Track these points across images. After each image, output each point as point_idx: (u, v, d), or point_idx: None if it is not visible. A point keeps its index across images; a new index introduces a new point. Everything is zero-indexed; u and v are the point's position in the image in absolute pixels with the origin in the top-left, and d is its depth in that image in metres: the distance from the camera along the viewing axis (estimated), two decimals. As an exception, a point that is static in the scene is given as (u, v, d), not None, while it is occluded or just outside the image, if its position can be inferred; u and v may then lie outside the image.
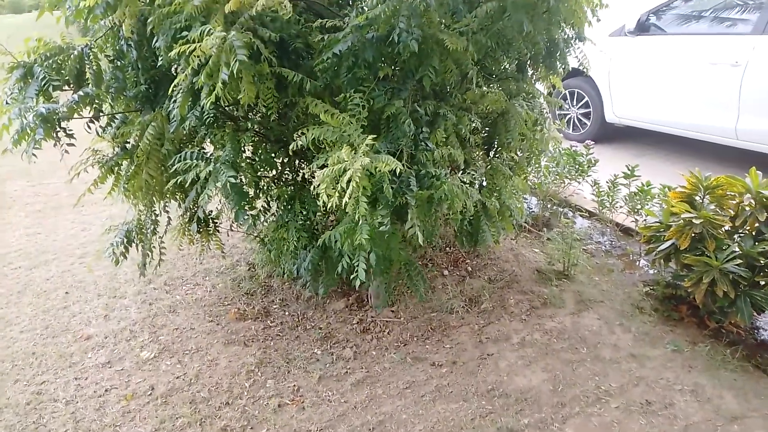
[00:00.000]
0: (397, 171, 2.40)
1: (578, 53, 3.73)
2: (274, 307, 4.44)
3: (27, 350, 3.96)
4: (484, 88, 3.33)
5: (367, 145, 2.48)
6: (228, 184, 2.72)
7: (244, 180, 2.97)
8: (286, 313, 4.34)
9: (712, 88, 6.35)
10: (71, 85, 3.18)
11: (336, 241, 2.92)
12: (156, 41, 2.79)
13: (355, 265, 2.80)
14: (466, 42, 2.87)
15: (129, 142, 3.17)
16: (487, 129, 3.55)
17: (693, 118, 6.68)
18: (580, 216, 5.77)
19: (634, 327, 3.84)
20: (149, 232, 3.69)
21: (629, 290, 4.36)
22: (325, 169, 2.55)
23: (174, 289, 4.71)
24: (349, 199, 2.40)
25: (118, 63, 3.19)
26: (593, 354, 3.57)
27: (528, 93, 3.73)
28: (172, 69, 2.99)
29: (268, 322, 4.23)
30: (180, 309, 4.40)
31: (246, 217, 2.86)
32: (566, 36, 3.54)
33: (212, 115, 2.83)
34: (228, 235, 4.88)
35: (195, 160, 2.80)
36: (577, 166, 5.39)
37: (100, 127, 3.27)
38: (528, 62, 3.72)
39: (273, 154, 3.18)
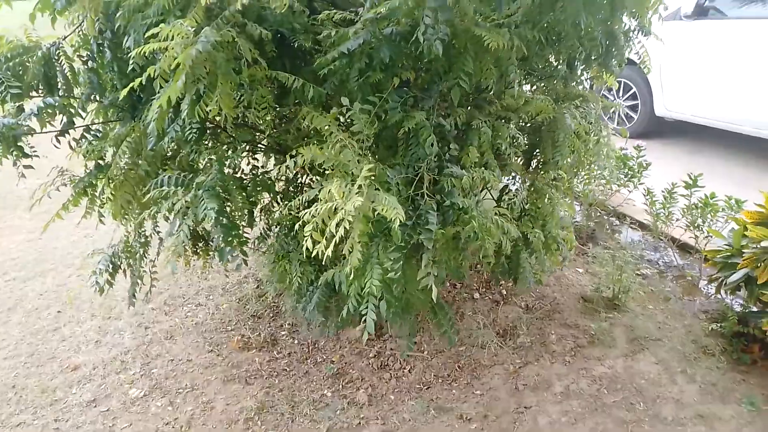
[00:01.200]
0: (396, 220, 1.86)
1: (639, 48, 3.12)
2: (282, 333, 3.96)
3: (7, 382, 3.55)
4: (528, 91, 2.74)
5: (367, 176, 1.94)
6: (209, 217, 2.22)
7: (233, 207, 2.45)
8: (295, 342, 3.86)
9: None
10: (40, 91, 2.72)
11: (341, 283, 2.40)
12: (127, 40, 2.28)
13: (363, 313, 2.28)
14: (510, 38, 2.29)
15: (104, 159, 2.69)
16: (528, 141, 2.96)
17: (757, 116, 5.95)
18: (630, 227, 5.14)
19: (699, 375, 3.24)
20: (138, 255, 3.23)
21: (690, 323, 3.75)
22: (314, 205, 2.02)
23: (174, 310, 4.26)
24: (341, 244, 1.88)
25: (93, 65, 2.70)
26: (652, 412, 2.99)
27: (578, 96, 3.12)
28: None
29: (275, 352, 3.75)
30: (178, 335, 3.95)
31: (234, 255, 2.35)
32: (626, 28, 2.93)
33: (196, 129, 2.32)
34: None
35: (172, 186, 2.30)
36: (627, 171, 4.76)
37: (74, 140, 2.79)
38: (578, 59, 3.11)
39: (269, 176, 2.65)
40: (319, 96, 2.35)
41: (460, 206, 2.20)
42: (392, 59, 2.28)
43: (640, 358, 3.36)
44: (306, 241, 1.93)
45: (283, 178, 2.85)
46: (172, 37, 1.97)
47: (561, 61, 2.99)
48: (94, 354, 3.80)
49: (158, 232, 3.35)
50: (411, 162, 2.32)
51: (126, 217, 2.72)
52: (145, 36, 2.21)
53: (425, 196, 2.21)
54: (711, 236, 4.26)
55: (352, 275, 2.23)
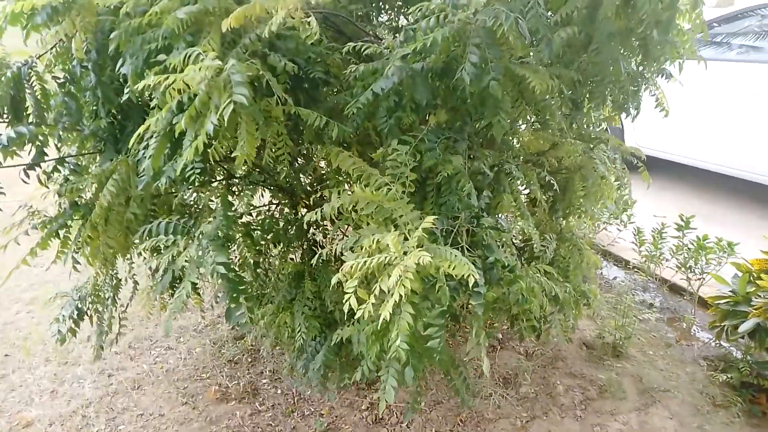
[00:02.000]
0: (469, 279, 1.60)
1: (656, 91, 2.99)
2: (264, 381, 3.61)
3: (-56, 444, 3.07)
4: (556, 133, 2.55)
5: (426, 226, 1.68)
6: (217, 273, 1.90)
7: (238, 257, 2.14)
8: (279, 391, 3.52)
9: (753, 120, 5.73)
10: (5, 116, 2.34)
11: (358, 342, 2.13)
12: (121, 65, 1.96)
13: (383, 379, 2.00)
14: (554, 80, 2.10)
15: (81, 197, 2.32)
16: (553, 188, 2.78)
17: (729, 154, 6.05)
18: (615, 266, 5.05)
19: (716, 431, 3.10)
20: (108, 300, 2.84)
21: (692, 371, 3.63)
22: (354, 257, 1.75)
23: (140, 355, 3.84)
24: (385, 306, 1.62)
25: (71, 87, 2.34)
26: (677, 475, 2.82)
27: (593, 138, 2.97)
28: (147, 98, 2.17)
29: (257, 404, 3.40)
30: (146, 384, 3.54)
31: (240, 313, 2.04)
32: (650, 71, 2.80)
33: (199, 169, 2.01)
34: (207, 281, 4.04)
35: (170, 235, 1.97)
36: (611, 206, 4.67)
37: (44, 173, 2.41)
38: (593, 100, 2.96)
39: (280, 221, 2.35)
40: (341, 134, 2.09)
41: (505, 264, 1.96)
42: (426, 99, 2.05)
43: (653, 413, 3.20)
44: (348, 299, 1.64)
45: (288, 220, 2.56)
46: (185, 65, 1.67)
47: (586, 104, 2.83)
48: (49, 407, 3.35)
49: (133, 276, 2.98)
50: (447, 211, 2.08)
51: (105, 263, 2.35)
52: (150, 62, 1.90)
53: (465, 252, 1.97)
54: (704, 278, 4.20)
55: (372, 336, 1.96)
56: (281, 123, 2.03)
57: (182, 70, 1.76)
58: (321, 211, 1.88)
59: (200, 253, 1.93)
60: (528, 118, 2.89)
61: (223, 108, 1.62)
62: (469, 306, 1.89)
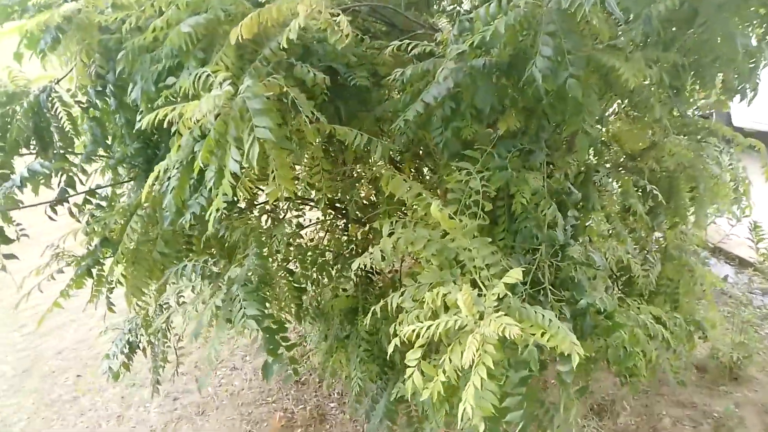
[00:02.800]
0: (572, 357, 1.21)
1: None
2: (331, 405, 3.37)
3: (15, 475, 3.04)
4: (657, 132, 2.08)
5: (512, 282, 1.32)
6: (251, 323, 1.63)
7: (277, 299, 1.86)
8: (347, 417, 3.26)
9: None
10: (31, 148, 2.17)
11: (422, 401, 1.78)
12: (131, 90, 1.70)
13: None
14: (651, 67, 1.65)
15: (113, 232, 2.11)
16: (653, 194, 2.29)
17: None
18: (728, 264, 4.42)
19: None
20: (160, 332, 2.66)
21: (832, 396, 3.03)
22: (414, 314, 1.41)
23: (206, 375, 3.70)
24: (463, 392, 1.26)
25: (96, 113, 2.14)
26: None
27: (700, 129, 2.45)
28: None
29: (323, 432, 3.16)
30: (211, 410, 3.39)
31: (282, 364, 1.76)
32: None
33: (227, 204, 1.72)
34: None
35: (197, 279, 1.71)
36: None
37: (75, 206, 2.23)
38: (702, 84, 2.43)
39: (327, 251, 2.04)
40: (388, 153, 1.74)
41: (600, 309, 1.55)
42: (491, 103, 1.66)
43: (785, 455, 2.67)
44: (411, 375, 1.32)
45: (340, 245, 2.25)
46: (194, 93, 1.38)
47: (689, 89, 2.32)
48: (115, 433, 3.27)
49: (183, 302, 2.79)
50: (520, 240, 1.69)
51: (140, 303, 2.14)
52: (160, 85, 1.64)
53: (548, 294, 1.57)
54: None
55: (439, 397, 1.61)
56: (318, 144, 1.72)
57: (194, 95, 1.48)
58: (371, 256, 1.54)
59: (229, 303, 1.66)
60: (619, 103, 2.42)
61: (249, 147, 1.32)
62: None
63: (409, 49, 1.76)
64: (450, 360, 1.27)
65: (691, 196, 2.16)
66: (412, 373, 1.32)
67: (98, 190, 2.21)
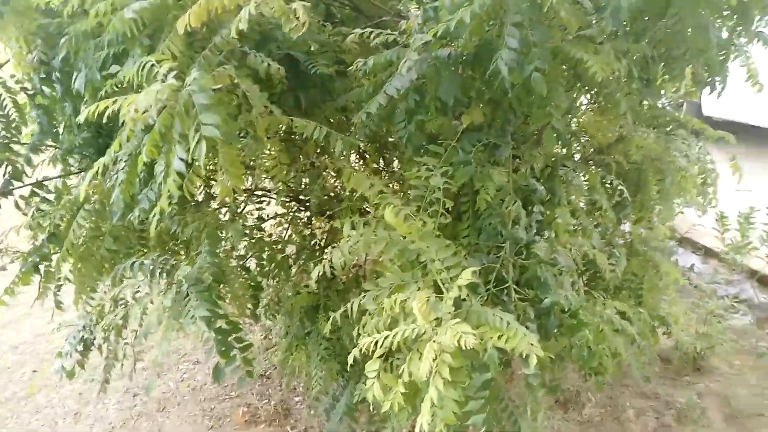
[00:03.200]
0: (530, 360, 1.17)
1: (748, 60, 2.40)
2: (296, 400, 3.31)
3: (-35, 476, 2.92)
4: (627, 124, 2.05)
5: (466, 283, 1.26)
6: (201, 325, 1.55)
7: (231, 297, 1.79)
8: (312, 412, 3.20)
9: None
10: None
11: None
12: (75, 78, 1.60)
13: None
14: (625, 63, 1.61)
15: (59, 226, 2.00)
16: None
17: None
18: (694, 254, 4.47)
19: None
20: (113, 329, 2.56)
21: (791, 385, 3.08)
22: (372, 322, 1.36)
23: (167, 371, 3.60)
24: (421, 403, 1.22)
25: (43, 101, 2.01)
26: None
27: (670, 121, 2.43)
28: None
29: (288, 427, 3.10)
30: (172, 405, 3.30)
31: (235, 366, 1.69)
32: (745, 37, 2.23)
33: (177, 200, 1.64)
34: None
35: (145, 276, 1.63)
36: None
37: (21, 197, 2.12)
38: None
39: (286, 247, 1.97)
40: (349, 148, 1.67)
41: (565, 307, 1.52)
42: (455, 96, 1.60)
43: (746, 445, 2.70)
44: (371, 386, 1.26)
45: (303, 238, 2.18)
46: (138, 83, 1.29)
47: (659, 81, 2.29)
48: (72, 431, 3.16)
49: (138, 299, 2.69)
50: (484, 238, 1.64)
51: (92, 300, 2.05)
52: (104, 73, 1.54)
53: (512, 294, 1.53)
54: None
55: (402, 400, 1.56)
56: (276, 136, 1.64)
57: (139, 85, 1.39)
58: (330, 264, 1.47)
59: (178, 301, 1.58)
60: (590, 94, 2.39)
61: (195, 145, 1.24)
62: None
63: (372, 37, 1.68)
64: (408, 370, 1.22)
65: (657, 189, 2.14)
66: (372, 385, 1.26)
67: (46, 182, 2.09)
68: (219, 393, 3.37)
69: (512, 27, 1.47)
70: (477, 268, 1.31)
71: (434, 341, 1.19)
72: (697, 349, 3.15)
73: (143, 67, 1.33)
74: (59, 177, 2.14)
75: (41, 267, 2.05)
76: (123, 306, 2.54)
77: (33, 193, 2.10)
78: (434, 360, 1.16)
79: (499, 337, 1.21)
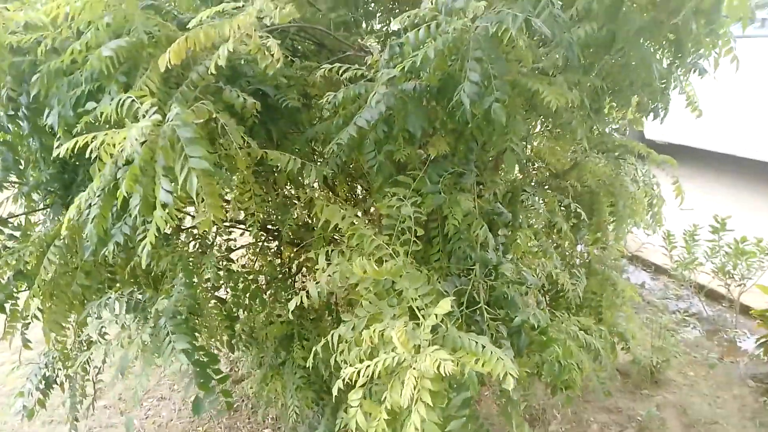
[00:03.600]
0: (506, 381, 1.23)
1: (688, 89, 2.59)
2: (265, 431, 3.28)
3: None
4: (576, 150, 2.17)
5: (443, 312, 1.32)
6: (181, 358, 1.56)
7: (207, 331, 1.80)
8: (283, 443, 3.18)
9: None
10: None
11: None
12: (48, 115, 1.61)
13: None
14: (577, 94, 1.73)
15: (27, 264, 1.97)
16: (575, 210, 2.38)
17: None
18: (644, 271, 4.67)
19: (777, 471, 2.72)
20: (80, 363, 2.51)
21: (740, 393, 3.25)
22: (353, 352, 1.41)
23: (132, 407, 3.51)
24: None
25: (8, 137, 2.00)
26: None
27: (618, 146, 2.59)
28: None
29: (259, 460, 3.07)
30: (137, 444, 3.22)
31: (213, 399, 1.70)
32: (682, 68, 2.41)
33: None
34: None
35: (120, 312, 1.63)
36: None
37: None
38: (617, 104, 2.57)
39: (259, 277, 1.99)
40: (322, 178, 1.73)
41: (534, 325, 1.60)
42: (422, 127, 1.68)
43: (704, 453, 2.82)
44: (354, 414, 1.30)
45: (273, 269, 2.20)
46: (116, 120, 1.32)
47: (607, 109, 2.45)
48: (30, 478, 3.04)
49: (105, 335, 2.64)
50: (455, 261, 1.72)
51: (61, 338, 2.02)
52: (79, 111, 1.55)
53: (484, 314, 1.60)
54: (744, 284, 3.80)
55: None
56: (248, 170, 1.68)
57: (116, 121, 1.42)
58: (306, 295, 1.51)
59: (156, 336, 1.58)
60: (542, 121, 2.52)
61: (184, 179, 1.27)
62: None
63: (341, 72, 1.75)
64: (391, 396, 1.26)
65: (610, 211, 2.27)
66: (355, 414, 1.30)
67: (10, 219, 2.06)
68: (186, 428, 3.31)
69: (473, 61, 1.56)
70: (453, 298, 1.38)
71: (414, 368, 1.24)
72: (654, 362, 3.28)
73: (122, 103, 1.36)
74: (24, 214, 2.11)
75: (7, 305, 2.01)
76: (89, 343, 2.51)
77: (-2, 231, 2.07)
78: (414, 387, 1.21)
79: (476, 362, 1.27)
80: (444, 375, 1.19)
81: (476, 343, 1.29)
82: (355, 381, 1.32)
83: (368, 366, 1.27)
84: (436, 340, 1.32)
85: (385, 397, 1.28)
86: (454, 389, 1.37)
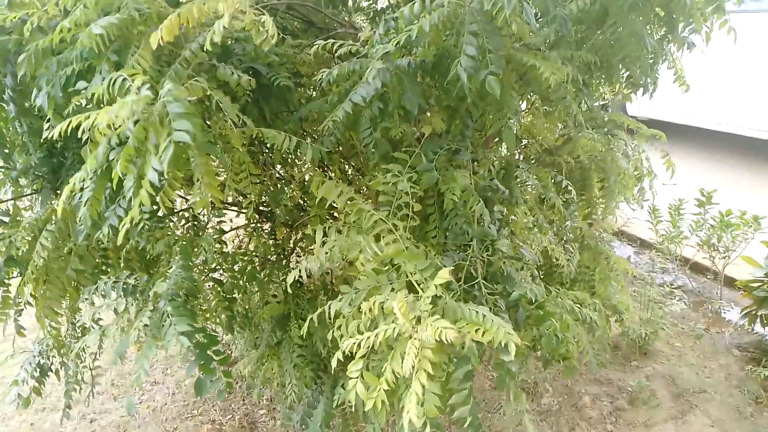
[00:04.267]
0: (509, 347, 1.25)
1: (676, 63, 2.60)
2: (261, 413, 3.30)
3: None
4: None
5: (443, 283, 1.33)
6: (183, 340, 1.56)
7: (205, 312, 1.79)
8: (278, 423, 3.19)
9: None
10: None
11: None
12: (36, 96, 1.57)
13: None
14: (569, 68, 1.74)
15: (18, 249, 1.94)
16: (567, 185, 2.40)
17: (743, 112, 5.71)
18: (630, 245, 4.73)
19: (763, 436, 2.80)
20: (74, 351, 2.49)
21: (726, 363, 3.32)
22: (353, 324, 1.41)
23: (124, 393, 3.50)
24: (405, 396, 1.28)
25: (-8, 119, 1.96)
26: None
27: (608, 122, 2.60)
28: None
29: (255, 441, 3.09)
30: (131, 429, 3.21)
31: (216, 379, 1.70)
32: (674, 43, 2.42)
33: (148, 214, 1.64)
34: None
35: (118, 296, 1.62)
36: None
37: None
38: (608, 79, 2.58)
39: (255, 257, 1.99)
40: (318, 155, 1.72)
41: (532, 299, 1.61)
42: (419, 103, 1.68)
43: (692, 420, 2.89)
44: (353, 387, 1.31)
45: (267, 250, 2.20)
46: (109, 99, 1.29)
47: (596, 84, 2.45)
48: (25, 466, 3.03)
49: (98, 321, 2.62)
50: (452, 237, 1.72)
51: (55, 324, 2.00)
52: (69, 90, 1.52)
53: (482, 288, 1.61)
54: (728, 256, 3.87)
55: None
56: (243, 148, 1.66)
57: (109, 101, 1.39)
58: (305, 268, 1.51)
59: (156, 319, 1.57)
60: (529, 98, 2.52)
61: (163, 150, 1.25)
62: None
63: (335, 49, 1.73)
64: (391, 367, 1.27)
65: (600, 186, 2.29)
66: (355, 385, 1.31)
67: (-2, 205, 2.03)
68: (181, 412, 3.31)
69: (470, 36, 1.55)
70: (451, 268, 1.38)
71: (415, 338, 1.25)
72: (643, 334, 3.34)
73: (114, 81, 1.33)
74: (12, 199, 2.07)
75: (-1, 291, 1.98)
76: (83, 329, 2.49)
77: (-15, 216, 2.03)
78: (416, 356, 1.22)
79: (477, 330, 1.28)
80: (445, 344, 1.20)
81: (476, 312, 1.30)
82: (354, 353, 1.33)
83: (368, 337, 1.27)
84: (436, 311, 1.33)
85: (385, 368, 1.29)
86: (455, 363, 1.39)
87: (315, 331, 2.07)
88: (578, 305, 1.84)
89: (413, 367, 1.24)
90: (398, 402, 1.46)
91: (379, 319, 1.43)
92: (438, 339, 1.21)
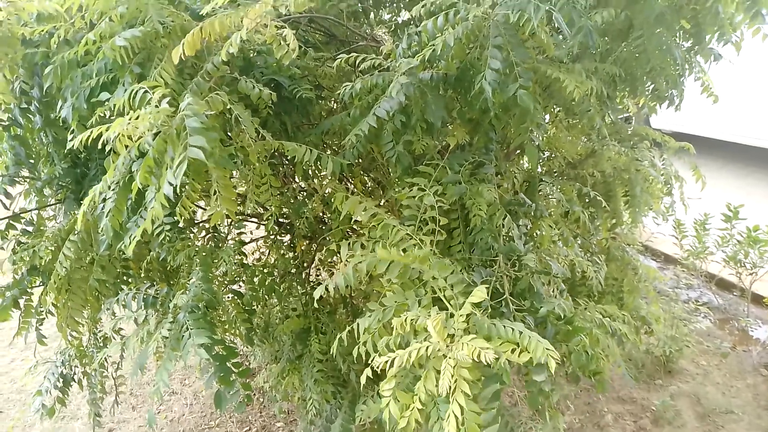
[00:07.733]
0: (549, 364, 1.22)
1: (702, 75, 2.56)
2: (278, 425, 3.27)
3: None
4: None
5: (477, 302, 1.31)
6: (201, 352, 1.55)
7: (225, 324, 1.78)
8: (299, 436, 3.17)
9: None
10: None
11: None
12: (61, 107, 1.59)
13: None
14: (591, 78, 1.71)
15: (41, 259, 1.96)
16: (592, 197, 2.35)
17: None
18: (654, 261, 4.64)
19: (795, 459, 2.71)
20: (97, 360, 2.50)
21: (753, 383, 3.23)
22: (383, 341, 1.39)
23: (142, 403, 3.51)
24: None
25: (19, 131, 1.98)
26: None
27: (634, 135, 2.56)
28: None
29: (273, 454, 3.06)
30: (150, 439, 3.21)
31: (235, 392, 1.68)
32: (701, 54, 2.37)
33: (169, 225, 1.64)
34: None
35: (139, 307, 1.61)
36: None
37: (-6, 234, 2.06)
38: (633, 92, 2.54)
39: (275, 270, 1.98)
40: (339, 168, 1.70)
41: (560, 315, 1.58)
42: (442, 117, 1.66)
43: (720, 442, 2.81)
44: (386, 406, 1.28)
45: (286, 264, 2.18)
46: (129, 109, 1.29)
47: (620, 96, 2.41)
48: (44, 473, 3.04)
49: (119, 331, 2.63)
50: (478, 252, 1.70)
51: (76, 333, 2.00)
52: (92, 102, 1.53)
53: (509, 305, 1.58)
54: (756, 272, 3.78)
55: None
56: (264, 161, 1.66)
57: (130, 112, 1.39)
58: (333, 284, 1.49)
59: (176, 331, 1.57)
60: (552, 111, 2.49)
61: (178, 165, 1.25)
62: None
63: (357, 62, 1.72)
64: (425, 387, 1.25)
65: (626, 199, 2.25)
66: (388, 403, 1.28)
67: (23, 215, 2.04)
68: (198, 423, 3.30)
69: (494, 49, 1.53)
70: (486, 287, 1.36)
71: (450, 357, 1.22)
72: (667, 352, 3.26)
73: (135, 94, 1.34)
74: (36, 209, 2.09)
75: (21, 301, 1.99)
76: (103, 339, 2.50)
77: (9, 226, 2.05)
78: (452, 376, 1.20)
79: (513, 351, 1.25)
80: (481, 363, 1.18)
81: (512, 329, 1.27)
82: (382, 371, 1.31)
83: (401, 355, 1.25)
84: (470, 329, 1.30)
85: (418, 387, 1.26)
86: (483, 381, 1.36)
87: (342, 342, 2.05)
88: (607, 318, 1.79)
89: (450, 387, 1.21)
90: (426, 421, 1.43)
91: (410, 337, 1.40)
92: (475, 358, 1.19)
